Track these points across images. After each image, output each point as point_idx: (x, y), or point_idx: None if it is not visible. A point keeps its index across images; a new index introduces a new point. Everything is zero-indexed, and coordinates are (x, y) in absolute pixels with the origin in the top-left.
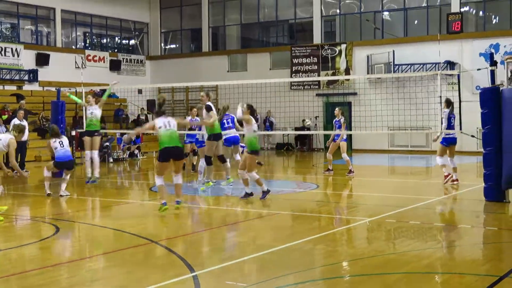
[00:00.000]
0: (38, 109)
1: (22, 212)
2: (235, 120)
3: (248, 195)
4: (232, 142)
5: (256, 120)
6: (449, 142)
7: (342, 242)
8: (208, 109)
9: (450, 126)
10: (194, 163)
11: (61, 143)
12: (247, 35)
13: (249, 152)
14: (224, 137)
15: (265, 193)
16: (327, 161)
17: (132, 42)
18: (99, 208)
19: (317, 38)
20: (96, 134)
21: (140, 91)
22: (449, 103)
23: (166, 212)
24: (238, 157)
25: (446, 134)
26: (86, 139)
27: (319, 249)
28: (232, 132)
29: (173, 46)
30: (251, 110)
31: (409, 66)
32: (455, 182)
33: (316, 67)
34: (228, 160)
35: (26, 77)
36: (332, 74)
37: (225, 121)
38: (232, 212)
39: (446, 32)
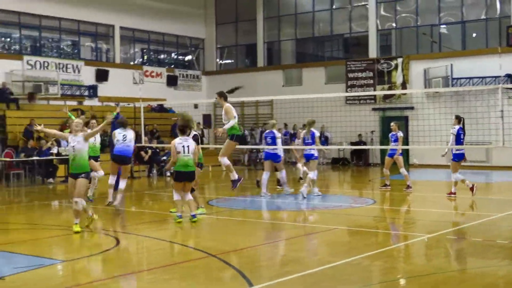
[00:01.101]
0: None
1: (82, 223)
2: (316, 136)
3: (236, 181)
4: (308, 157)
5: (320, 136)
6: (460, 158)
7: (400, 258)
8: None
9: (459, 142)
10: (258, 178)
11: (124, 136)
12: (302, 49)
13: (229, 137)
14: (304, 153)
15: (236, 181)
16: (383, 176)
17: (188, 57)
18: (156, 221)
19: (373, 52)
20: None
21: (196, 106)
22: (459, 120)
23: (181, 224)
24: (313, 174)
25: (457, 150)
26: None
27: (377, 265)
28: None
29: (228, 61)
30: (224, 97)
31: (468, 79)
32: (452, 195)
33: (371, 81)
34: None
35: (86, 93)
36: (389, 88)
37: (306, 137)
38: (289, 226)
39: (506, 45)
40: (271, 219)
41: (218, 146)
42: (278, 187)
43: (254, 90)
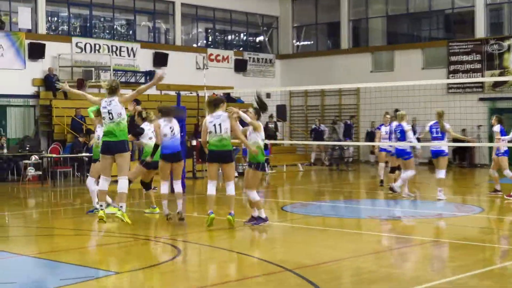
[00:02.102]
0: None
1: (138, 230)
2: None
3: (261, 220)
4: (436, 154)
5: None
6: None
7: None
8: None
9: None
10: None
11: (172, 128)
12: (394, 28)
13: (252, 166)
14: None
15: (261, 220)
16: (492, 179)
17: (259, 38)
18: (222, 229)
19: (480, 31)
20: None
21: (268, 95)
22: (500, 120)
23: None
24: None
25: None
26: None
27: (486, 286)
28: (442, 144)
29: (306, 42)
30: (258, 115)
31: None
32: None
33: (479, 65)
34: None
35: (142, 79)
36: (500, 74)
37: (434, 130)
38: (378, 237)
39: None
40: (356, 227)
41: (294, 142)
42: (380, 185)
43: (337, 76)
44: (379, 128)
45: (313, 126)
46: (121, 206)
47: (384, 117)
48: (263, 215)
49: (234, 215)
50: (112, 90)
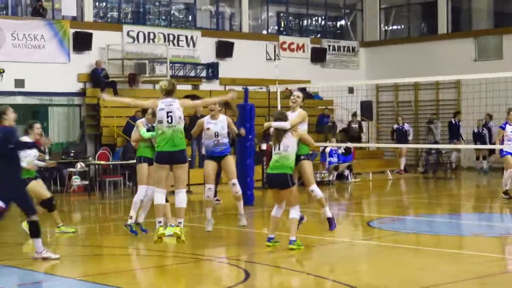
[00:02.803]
0: None
1: (197, 249)
2: None
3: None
4: None
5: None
6: None
7: None
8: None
9: None
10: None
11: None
12: (503, 8)
13: (304, 157)
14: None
15: (332, 222)
16: None
17: (341, 23)
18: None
19: None
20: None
21: (351, 90)
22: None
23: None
24: None
25: None
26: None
27: None
28: None
29: (397, 27)
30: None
31: None
32: None
33: None
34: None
35: (203, 73)
36: None
37: None
38: (486, 259)
39: None
40: (457, 247)
41: (382, 145)
42: (504, 197)
43: (434, 66)
44: (502, 127)
45: (395, 125)
46: (179, 222)
47: (509, 115)
48: (329, 214)
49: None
50: (171, 92)
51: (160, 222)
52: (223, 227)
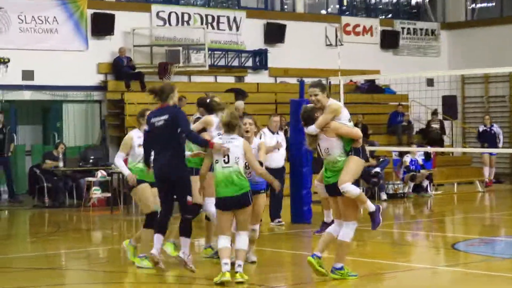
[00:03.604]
0: (266, 113)
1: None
2: None
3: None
4: None
5: None
6: None
7: None
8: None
9: None
10: None
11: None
12: None
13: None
14: None
15: (377, 213)
16: None
17: (417, 0)
18: (365, 275)
19: None
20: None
21: (430, 83)
22: None
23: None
24: None
25: None
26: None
27: None
28: None
29: (486, 5)
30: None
31: None
32: None
33: None
34: None
35: (249, 62)
36: None
37: None
38: None
39: None
40: None
41: (470, 150)
42: None
43: None
44: None
45: (481, 127)
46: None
47: None
48: (372, 208)
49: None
50: (232, 128)
51: (225, 264)
52: (269, 248)
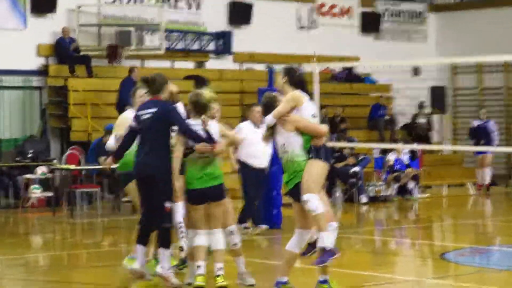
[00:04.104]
0: (231, 104)
1: None
2: None
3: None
4: None
5: None
6: None
7: None
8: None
9: None
10: None
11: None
12: None
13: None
14: None
15: (311, 248)
16: None
17: None
18: None
19: None
20: None
21: (417, 72)
22: None
23: None
24: None
25: None
26: None
27: None
28: None
29: None
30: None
31: None
32: None
33: None
34: None
35: (211, 46)
36: None
37: None
38: None
39: None
40: None
41: (461, 148)
42: None
43: None
44: None
45: (475, 122)
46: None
47: None
48: (328, 243)
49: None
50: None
51: (199, 266)
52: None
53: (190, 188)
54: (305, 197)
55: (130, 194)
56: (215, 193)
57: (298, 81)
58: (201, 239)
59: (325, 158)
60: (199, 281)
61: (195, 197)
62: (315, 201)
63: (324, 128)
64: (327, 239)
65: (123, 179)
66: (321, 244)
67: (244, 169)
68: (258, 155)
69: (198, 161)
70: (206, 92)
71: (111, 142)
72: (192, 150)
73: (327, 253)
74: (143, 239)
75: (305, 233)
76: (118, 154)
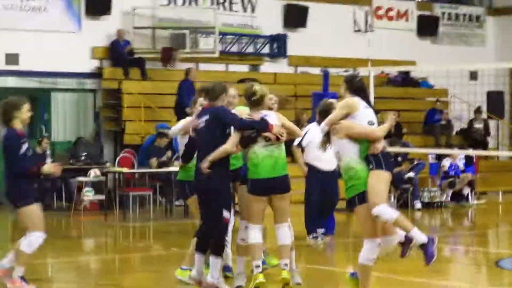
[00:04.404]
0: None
1: None
2: None
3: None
4: None
5: None
6: None
7: None
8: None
9: None
10: None
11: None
12: None
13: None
14: None
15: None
16: None
17: None
18: None
19: None
20: None
21: (474, 76)
22: None
23: None
24: None
25: None
26: None
27: None
28: None
29: None
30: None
31: None
32: None
33: None
34: None
35: (266, 49)
36: None
37: None
38: None
39: None
40: None
41: None
42: None
43: None
44: None
45: None
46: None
47: None
48: (422, 239)
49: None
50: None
51: (258, 266)
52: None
53: (254, 178)
54: (375, 212)
55: (190, 205)
56: (282, 184)
57: (357, 88)
58: (258, 235)
59: (387, 166)
60: (260, 278)
61: (259, 187)
62: (385, 211)
63: (379, 131)
64: (419, 234)
65: (182, 188)
66: (419, 241)
67: (311, 172)
68: (326, 158)
69: (262, 150)
70: (258, 84)
71: (178, 126)
72: (254, 139)
73: (429, 245)
74: (201, 248)
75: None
76: (185, 158)
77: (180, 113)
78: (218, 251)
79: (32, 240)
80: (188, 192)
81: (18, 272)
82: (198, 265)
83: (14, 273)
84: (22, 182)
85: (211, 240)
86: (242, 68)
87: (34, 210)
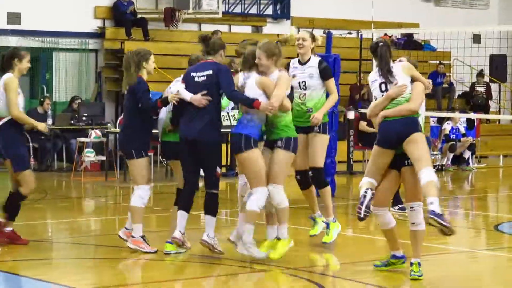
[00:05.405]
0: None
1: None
2: None
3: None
4: None
5: None
6: None
7: None
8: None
9: None
10: None
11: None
12: None
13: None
14: None
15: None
16: None
17: None
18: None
19: None
20: None
21: (477, 39)
22: None
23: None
24: None
25: None
26: None
27: None
28: None
29: None
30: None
31: None
32: None
33: None
34: None
35: (269, 10)
36: None
37: None
38: None
39: None
40: None
41: None
42: None
43: None
44: None
45: None
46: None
47: None
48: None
49: None
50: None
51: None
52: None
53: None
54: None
55: (174, 167)
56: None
57: None
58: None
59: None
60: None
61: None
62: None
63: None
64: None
65: (169, 149)
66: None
67: None
68: None
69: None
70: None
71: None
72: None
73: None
74: (186, 206)
75: None
76: (173, 120)
77: None
78: (212, 210)
79: (141, 194)
80: (174, 153)
81: (137, 231)
82: (181, 223)
83: (134, 233)
84: (140, 135)
85: (192, 198)
86: (245, 30)
87: (144, 163)
